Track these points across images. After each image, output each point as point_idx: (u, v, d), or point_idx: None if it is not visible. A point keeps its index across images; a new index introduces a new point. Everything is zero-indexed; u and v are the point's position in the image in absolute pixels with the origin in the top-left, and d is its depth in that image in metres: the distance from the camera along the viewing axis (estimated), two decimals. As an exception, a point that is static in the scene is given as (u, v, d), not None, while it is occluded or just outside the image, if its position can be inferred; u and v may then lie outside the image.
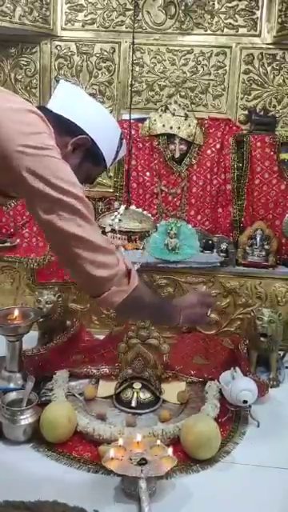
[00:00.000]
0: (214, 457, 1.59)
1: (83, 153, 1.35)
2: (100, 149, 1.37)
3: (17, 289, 2.47)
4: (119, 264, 1.32)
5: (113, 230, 1.75)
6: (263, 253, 2.41)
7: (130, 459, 1.44)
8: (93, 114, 1.37)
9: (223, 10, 2.53)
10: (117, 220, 1.76)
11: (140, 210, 1.93)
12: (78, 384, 1.97)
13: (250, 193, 2.53)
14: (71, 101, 1.37)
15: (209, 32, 2.56)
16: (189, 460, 1.58)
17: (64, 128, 1.32)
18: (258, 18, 2.52)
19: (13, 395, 1.73)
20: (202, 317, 1.64)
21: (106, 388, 1.95)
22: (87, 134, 1.34)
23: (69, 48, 2.63)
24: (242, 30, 2.54)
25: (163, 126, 2.57)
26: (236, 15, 2.53)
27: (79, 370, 2.02)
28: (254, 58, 2.55)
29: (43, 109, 1.36)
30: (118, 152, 1.45)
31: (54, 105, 1.38)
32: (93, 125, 1.35)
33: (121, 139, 1.44)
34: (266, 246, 2.41)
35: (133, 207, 1.88)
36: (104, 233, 1.83)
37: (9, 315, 1.94)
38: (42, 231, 2.57)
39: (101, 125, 1.37)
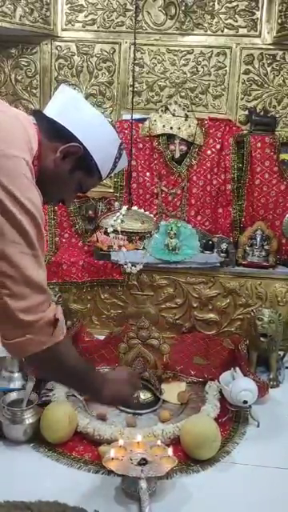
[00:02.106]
0: (214, 457, 1.59)
1: (75, 161, 1.30)
2: (94, 159, 1.32)
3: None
4: (46, 309, 1.18)
5: (115, 231, 1.75)
6: (263, 253, 2.42)
7: (131, 459, 1.45)
8: (89, 123, 1.32)
9: (223, 10, 2.53)
10: (119, 221, 1.76)
11: (142, 210, 1.93)
12: (79, 384, 1.97)
13: (250, 193, 2.53)
14: (68, 107, 1.33)
15: (209, 32, 2.56)
16: (189, 460, 1.58)
17: (56, 133, 1.28)
18: (258, 18, 2.52)
19: (13, 395, 1.73)
20: (126, 397, 1.49)
21: (107, 388, 1.95)
22: (80, 143, 1.29)
23: (69, 48, 2.64)
24: (242, 31, 2.55)
25: (163, 126, 2.57)
26: (236, 16, 2.53)
27: (79, 371, 2.02)
28: (254, 58, 2.55)
29: (37, 113, 1.34)
30: (116, 163, 1.40)
31: (49, 109, 1.34)
32: (88, 133, 1.30)
33: (120, 150, 1.38)
34: (266, 247, 2.42)
35: (134, 208, 1.88)
36: (106, 233, 1.83)
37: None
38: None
39: (97, 134, 1.32)
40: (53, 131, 1.28)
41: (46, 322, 1.17)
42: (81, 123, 1.30)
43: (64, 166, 1.29)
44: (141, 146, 2.59)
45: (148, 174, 2.60)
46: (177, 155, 2.57)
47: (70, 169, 1.31)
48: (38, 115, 1.32)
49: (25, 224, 1.11)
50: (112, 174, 1.49)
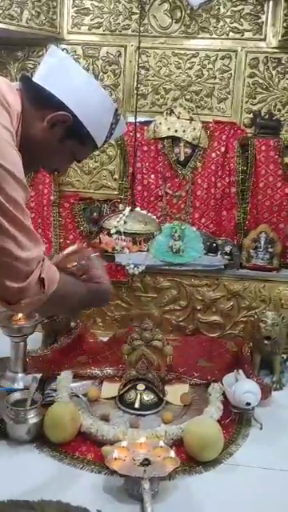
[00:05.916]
0: (217, 458, 1.60)
1: (64, 130, 1.24)
2: (85, 127, 1.25)
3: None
4: (37, 266, 1.13)
5: (118, 232, 1.76)
6: (267, 256, 2.42)
7: (134, 460, 1.45)
8: (80, 89, 1.24)
9: (229, 14, 2.54)
10: (122, 222, 1.77)
11: (145, 212, 1.94)
12: (82, 385, 1.98)
13: (254, 196, 2.54)
14: (57, 72, 1.25)
15: (214, 36, 2.57)
16: (192, 461, 1.58)
17: (43, 101, 1.21)
18: (263, 22, 2.53)
19: (17, 395, 1.74)
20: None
21: (110, 389, 1.96)
22: (70, 111, 1.22)
23: (75, 51, 2.65)
24: (247, 34, 2.55)
25: (168, 129, 2.58)
26: (241, 19, 2.54)
27: (83, 371, 2.03)
28: (259, 61, 2.56)
29: (25, 78, 1.28)
30: (112, 130, 1.33)
31: (38, 74, 1.27)
32: (78, 101, 1.22)
33: (117, 115, 1.32)
34: (270, 249, 2.42)
35: (137, 209, 1.89)
36: (109, 234, 1.84)
37: (13, 316, 1.95)
38: (45, 229, 2.51)
39: (88, 101, 1.24)
40: (39, 99, 1.22)
41: (34, 283, 1.14)
42: (70, 90, 1.23)
43: (53, 135, 1.24)
44: (145, 148, 2.60)
45: (152, 176, 2.61)
46: (181, 158, 2.58)
47: (59, 138, 1.25)
48: (26, 81, 1.26)
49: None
50: (111, 141, 1.42)
